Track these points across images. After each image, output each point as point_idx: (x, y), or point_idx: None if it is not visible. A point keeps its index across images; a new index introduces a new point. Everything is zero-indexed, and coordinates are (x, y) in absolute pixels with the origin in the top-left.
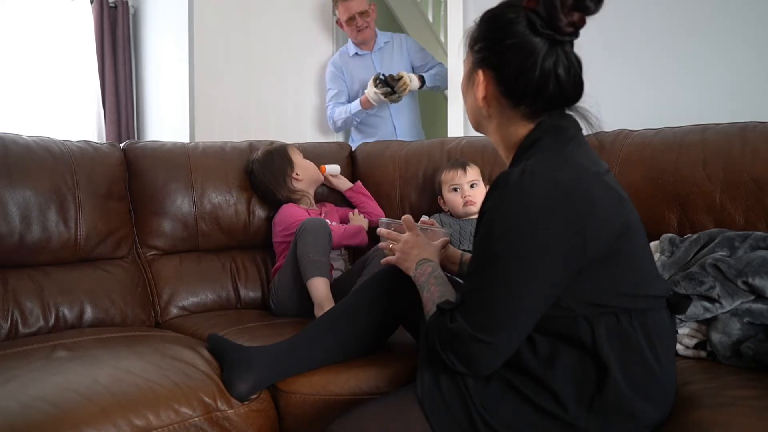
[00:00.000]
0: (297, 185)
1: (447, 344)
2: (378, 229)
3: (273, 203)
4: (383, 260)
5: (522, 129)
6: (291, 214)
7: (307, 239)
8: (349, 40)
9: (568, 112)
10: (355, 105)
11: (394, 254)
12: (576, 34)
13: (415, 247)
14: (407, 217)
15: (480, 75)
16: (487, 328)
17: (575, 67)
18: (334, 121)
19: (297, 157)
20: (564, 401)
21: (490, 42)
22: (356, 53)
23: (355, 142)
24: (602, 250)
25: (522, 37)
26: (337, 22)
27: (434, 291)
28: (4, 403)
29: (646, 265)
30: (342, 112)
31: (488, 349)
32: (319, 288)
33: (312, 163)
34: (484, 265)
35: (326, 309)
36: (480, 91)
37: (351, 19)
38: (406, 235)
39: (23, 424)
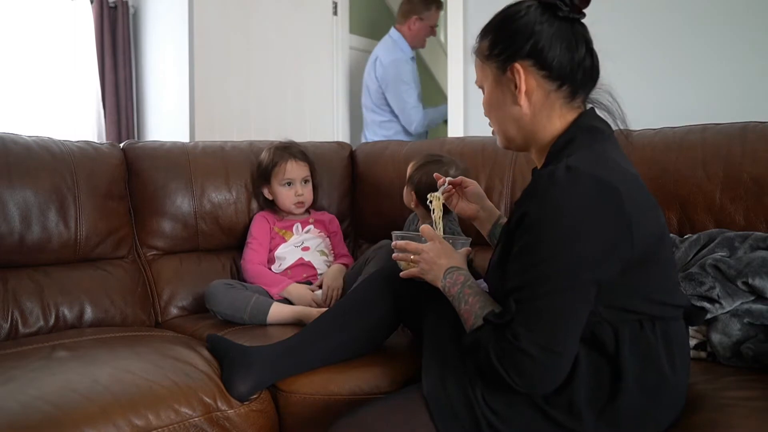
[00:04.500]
0: (272, 199)
1: (509, 363)
2: (393, 243)
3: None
4: (402, 273)
5: (558, 121)
6: (256, 223)
7: (225, 311)
8: (401, 39)
9: (598, 112)
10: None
11: (411, 266)
12: (582, 13)
13: (441, 256)
14: (426, 226)
15: (518, 68)
16: (553, 341)
17: (590, 42)
18: (427, 123)
19: (276, 181)
20: (577, 408)
21: (514, 38)
22: (412, 57)
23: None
24: (642, 253)
25: (545, 19)
26: (417, 19)
27: (473, 302)
28: (4, 403)
29: (673, 273)
30: (437, 114)
31: (558, 363)
32: (283, 313)
33: (290, 196)
34: (533, 270)
35: (308, 315)
36: (522, 85)
37: (434, 27)
38: (428, 244)
39: (23, 424)
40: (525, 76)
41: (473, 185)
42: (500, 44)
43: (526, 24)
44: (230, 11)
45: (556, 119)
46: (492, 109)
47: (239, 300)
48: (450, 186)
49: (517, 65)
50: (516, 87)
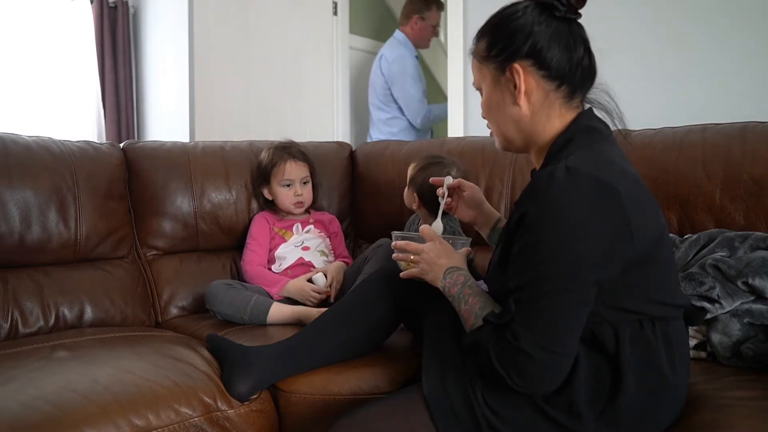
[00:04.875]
0: (272, 199)
1: (509, 363)
2: (393, 243)
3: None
4: (403, 274)
5: (557, 121)
6: (256, 224)
7: (225, 311)
8: (405, 39)
9: (596, 112)
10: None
11: (411, 267)
12: (579, 13)
13: (441, 256)
14: (425, 226)
15: (517, 69)
16: (553, 342)
17: (588, 41)
18: (432, 117)
19: (275, 181)
20: (577, 409)
21: (513, 36)
22: (416, 56)
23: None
24: (642, 253)
25: (541, 18)
26: (418, 18)
27: (473, 302)
28: (4, 403)
29: (673, 273)
30: (441, 111)
31: (558, 364)
32: (282, 313)
33: (289, 196)
34: (533, 270)
35: (308, 316)
36: (522, 85)
37: (436, 26)
38: (428, 244)
39: (23, 424)
40: (524, 76)
41: (471, 190)
42: (498, 45)
43: (524, 24)
44: (230, 11)
45: (555, 119)
46: (491, 110)
47: (239, 300)
48: (450, 199)
49: (516, 65)
50: (515, 87)
